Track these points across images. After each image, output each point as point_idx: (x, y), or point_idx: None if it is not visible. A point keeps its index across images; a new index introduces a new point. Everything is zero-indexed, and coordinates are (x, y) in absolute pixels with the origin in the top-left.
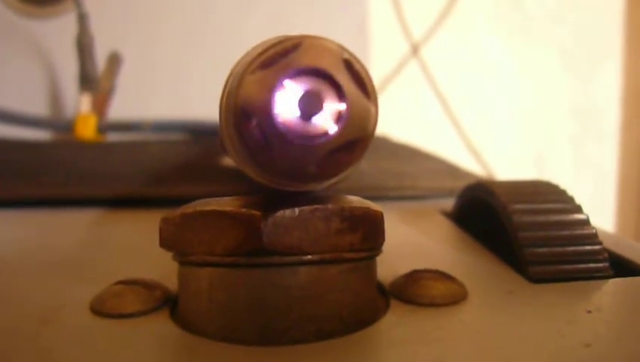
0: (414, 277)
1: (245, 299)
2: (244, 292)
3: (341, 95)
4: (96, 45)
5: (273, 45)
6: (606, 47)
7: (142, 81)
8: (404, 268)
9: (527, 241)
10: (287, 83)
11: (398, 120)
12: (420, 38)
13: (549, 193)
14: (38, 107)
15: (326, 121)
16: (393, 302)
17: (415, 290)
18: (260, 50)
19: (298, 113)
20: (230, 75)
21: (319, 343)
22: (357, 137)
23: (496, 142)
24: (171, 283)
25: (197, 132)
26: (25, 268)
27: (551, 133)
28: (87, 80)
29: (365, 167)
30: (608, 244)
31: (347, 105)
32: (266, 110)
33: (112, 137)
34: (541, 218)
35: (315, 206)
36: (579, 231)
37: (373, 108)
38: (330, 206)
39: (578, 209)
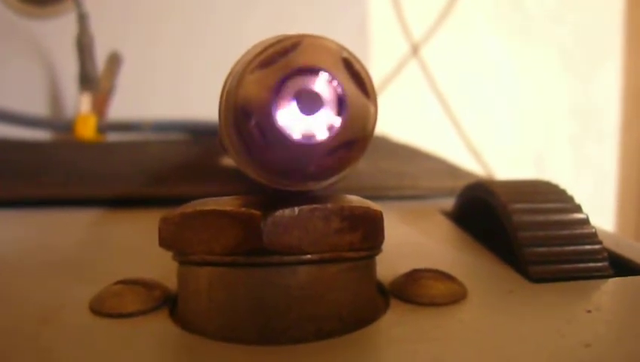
0: (414, 276)
1: (245, 298)
2: (244, 292)
3: (340, 94)
4: (97, 45)
5: (272, 44)
6: (606, 47)
7: (142, 81)
8: (403, 268)
9: (527, 241)
10: (287, 82)
11: (398, 120)
12: (420, 38)
13: (549, 193)
14: (38, 107)
15: (325, 120)
16: (393, 302)
17: (415, 290)
18: (259, 49)
19: (297, 112)
20: (229, 74)
21: (319, 342)
22: (356, 137)
23: (496, 142)
24: (171, 282)
25: (197, 132)
26: (25, 268)
27: (551, 133)
28: (87, 80)
29: (365, 166)
30: (608, 244)
31: (346, 104)
32: (266, 109)
33: (112, 137)
34: (541, 217)
35: (315, 205)
36: (578, 231)
37: (372, 108)
38: (329, 205)
39: (578, 208)
